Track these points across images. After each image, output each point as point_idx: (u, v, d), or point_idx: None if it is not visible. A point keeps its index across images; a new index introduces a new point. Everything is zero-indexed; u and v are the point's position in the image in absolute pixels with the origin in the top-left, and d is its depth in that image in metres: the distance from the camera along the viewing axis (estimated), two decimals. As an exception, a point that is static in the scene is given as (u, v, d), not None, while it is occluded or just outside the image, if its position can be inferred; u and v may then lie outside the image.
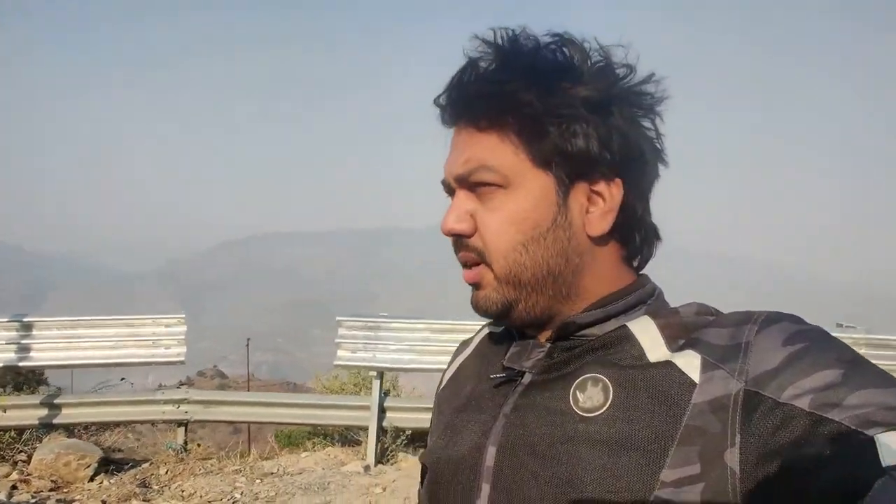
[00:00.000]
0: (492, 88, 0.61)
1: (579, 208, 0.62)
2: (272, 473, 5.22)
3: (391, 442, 5.52)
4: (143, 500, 4.82)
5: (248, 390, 11.07)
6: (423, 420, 5.58)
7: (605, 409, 0.57)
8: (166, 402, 5.69)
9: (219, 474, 5.29)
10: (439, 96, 0.66)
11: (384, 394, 5.58)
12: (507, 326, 0.71)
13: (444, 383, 0.79)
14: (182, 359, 5.60)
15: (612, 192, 0.62)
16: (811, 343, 0.51)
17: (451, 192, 0.66)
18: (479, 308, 0.64)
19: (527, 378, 0.64)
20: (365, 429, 5.57)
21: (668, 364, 0.57)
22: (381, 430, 5.44)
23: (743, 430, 0.50)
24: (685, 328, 0.59)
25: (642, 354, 0.59)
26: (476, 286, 0.64)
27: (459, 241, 0.63)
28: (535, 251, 0.61)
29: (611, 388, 0.58)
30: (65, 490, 5.05)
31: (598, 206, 0.62)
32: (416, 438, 5.92)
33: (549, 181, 0.61)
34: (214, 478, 5.18)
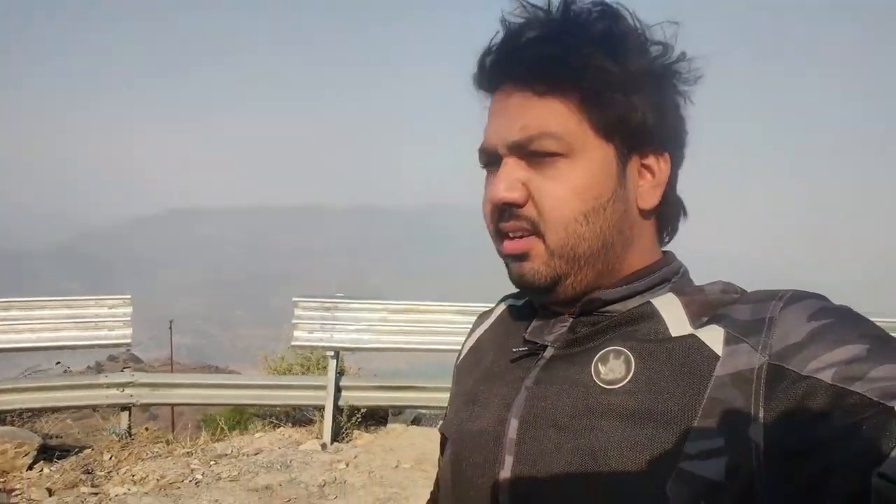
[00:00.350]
0: (561, 51, 0.58)
1: (633, 181, 0.62)
2: (226, 455, 5.19)
3: (346, 420, 5.62)
4: (92, 486, 4.68)
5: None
6: (378, 398, 5.72)
7: (626, 381, 0.57)
8: (110, 385, 5.48)
9: (169, 457, 5.20)
10: (485, 56, 0.63)
11: (339, 373, 5.65)
12: (532, 300, 0.69)
13: (463, 354, 0.79)
14: (128, 341, 5.42)
15: (661, 167, 0.63)
16: (836, 319, 0.51)
17: (492, 160, 0.64)
18: (524, 280, 0.62)
19: (549, 352, 0.64)
20: (319, 408, 5.64)
21: (691, 337, 0.57)
22: (337, 409, 5.52)
23: (766, 404, 0.50)
24: (710, 305, 0.59)
25: (665, 330, 0.59)
26: (522, 257, 0.62)
27: (509, 210, 0.61)
28: (594, 222, 0.60)
29: (633, 361, 0.58)
30: (2, 479, 4.80)
31: (647, 180, 0.62)
32: (369, 416, 6.06)
33: (610, 152, 0.60)
34: (165, 461, 5.09)
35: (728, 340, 0.54)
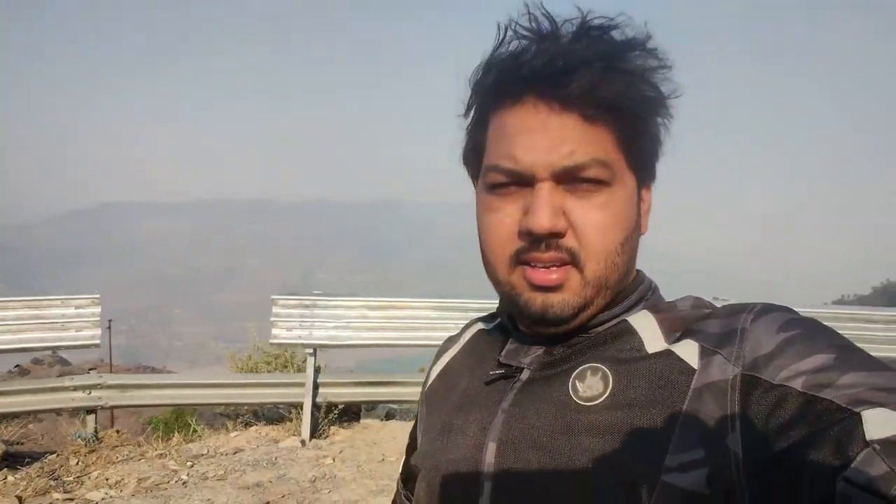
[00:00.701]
0: (620, 78, 0.56)
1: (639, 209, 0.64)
2: (203, 455, 5.13)
3: (324, 417, 5.65)
4: (65, 492, 4.54)
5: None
6: (355, 394, 5.77)
7: (605, 397, 0.57)
8: (76, 388, 5.31)
9: (141, 460, 5.10)
10: (511, 65, 0.59)
11: (316, 370, 5.67)
12: (534, 328, 0.65)
13: (430, 380, 0.76)
14: (97, 342, 5.26)
15: (648, 196, 0.65)
16: (804, 330, 0.53)
17: (516, 181, 0.59)
18: (551, 312, 0.59)
19: (525, 374, 0.63)
20: (295, 405, 5.65)
21: (668, 353, 0.57)
22: (315, 406, 5.55)
23: (742, 413, 0.50)
24: (683, 321, 0.60)
25: (641, 346, 0.59)
26: (554, 289, 0.59)
27: (547, 240, 0.58)
28: (627, 251, 0.60)
29: (610, 377, 0.58)
30: (-35, 489, 4.58)
31: (641, 209, 0.64)
32: (342, 413, 6.10)
33: (634, 182, 0.61)
34: (138, 464, 4.98)
35: (703, 353, 0.55)
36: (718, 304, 0.62)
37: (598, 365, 0.59)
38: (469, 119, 0.65)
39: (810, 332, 0.52)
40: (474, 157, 0.65)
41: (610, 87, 0.56)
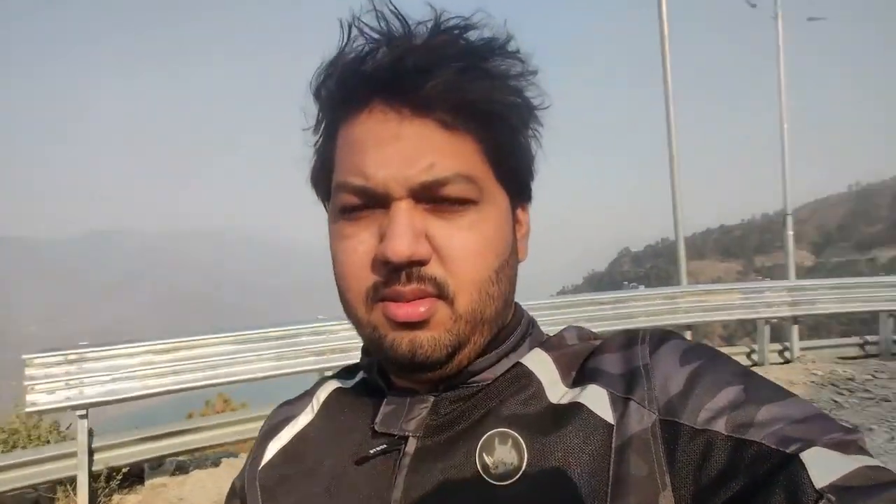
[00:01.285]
0: (481, 80, 0.50)
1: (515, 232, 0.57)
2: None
3: (104, 486, 4.82)
4: None
5: None
6: (140, 453, 5.07)
7: (522, 471, 0.49)
8: None
9: None
10: (355, 65, 0.51)
11: (89, 433, 4.81)
12: (402, 376, 0.57)
13: (267, 458, 0.62)
14: None
15: (525, 217, 0.59)
16: (705, 360, 0.51)
17: (371, 202, 0.51)
18: (419, 353, 0.51)
19: (411, 445, 0.54)
20: (62, 482, 4.70)
21: (577, 406, 0.51)
22: (91, 476, 4.71)
23: (670, 468, 0.46)
24: (575, 356, 0.56)
25: (542, 394, 0.53)
26: (419, 325, 0.51)
27: (409, 269, 0.50)
28: (502, 280, 0.53)
29: (523, 444, 0.50)
30: None
31: (517, 232, 0.58)
32: (128, 477, 5.28)
33: (507, 201, 0.55)
34: None
35: (614, 402, 0.51)
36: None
37: (506, 430, 0.52)
38: (318, 134, 0.57)
39: (711, 362, 0.50)
40: (324, 176, 0.56)
41: (472, 89, 0.49)
